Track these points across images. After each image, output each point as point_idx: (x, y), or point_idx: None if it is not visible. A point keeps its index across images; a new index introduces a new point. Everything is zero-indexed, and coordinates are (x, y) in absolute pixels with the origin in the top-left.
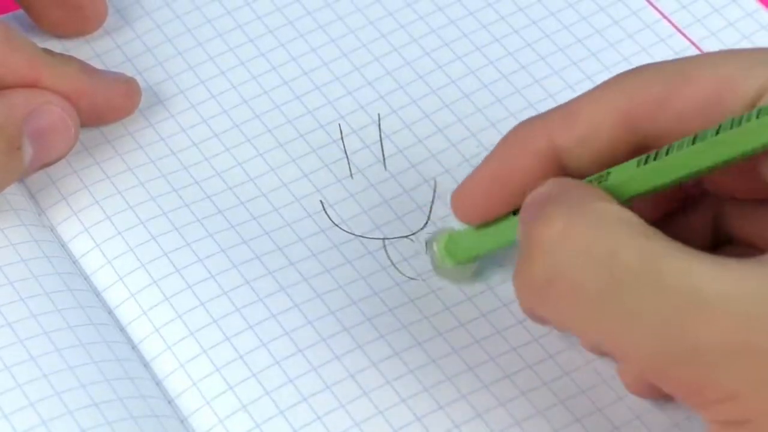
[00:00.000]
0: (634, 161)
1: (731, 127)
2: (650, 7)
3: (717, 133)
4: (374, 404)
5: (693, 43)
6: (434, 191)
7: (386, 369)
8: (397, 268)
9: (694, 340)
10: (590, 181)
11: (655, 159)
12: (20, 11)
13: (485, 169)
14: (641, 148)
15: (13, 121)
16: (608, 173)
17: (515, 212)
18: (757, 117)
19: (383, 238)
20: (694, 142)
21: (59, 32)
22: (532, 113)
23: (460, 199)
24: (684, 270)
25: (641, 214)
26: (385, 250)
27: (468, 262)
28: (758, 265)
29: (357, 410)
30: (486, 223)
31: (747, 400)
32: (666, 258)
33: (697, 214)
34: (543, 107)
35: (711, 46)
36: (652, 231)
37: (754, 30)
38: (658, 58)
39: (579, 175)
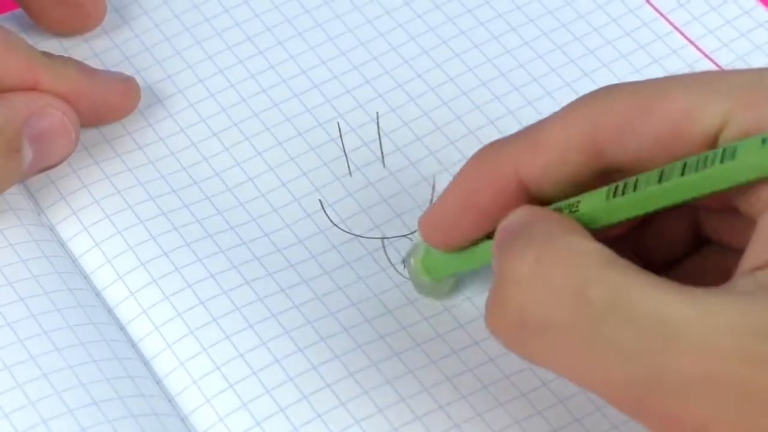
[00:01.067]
0: (603, 192)
1: (696, 168)
2: (648, 6)
3: (682, 173)
4: (374, 402)
5: (691, 42)
6: (433, 189)
7: (385, 369)
8: (396, 269)
9: (664, 371)
10: (560, 209)
11: (623, 193)
12: (19, 11)
13: (452, 197)
14: (608, 172)
15: (13, 123)
16: (578, 202)
17: (490, 236)
18: (721, 161)
19: (382, 238)
20: (660, 179)
21: (58, 31)
22: (531, 111)
23: (428, 227)
24: (653, 302)
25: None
26: (384, 251)
27: (445, 279)
28: (724, 294)
29: (357, 408)
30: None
31: (717, 430)
32: (635, 291)
33: (675, 217)
34: (541, 105)
35: (709, 44)
36: (622, 264)
37: (751, 27)
38: (656, 56)
39: (547, 200)
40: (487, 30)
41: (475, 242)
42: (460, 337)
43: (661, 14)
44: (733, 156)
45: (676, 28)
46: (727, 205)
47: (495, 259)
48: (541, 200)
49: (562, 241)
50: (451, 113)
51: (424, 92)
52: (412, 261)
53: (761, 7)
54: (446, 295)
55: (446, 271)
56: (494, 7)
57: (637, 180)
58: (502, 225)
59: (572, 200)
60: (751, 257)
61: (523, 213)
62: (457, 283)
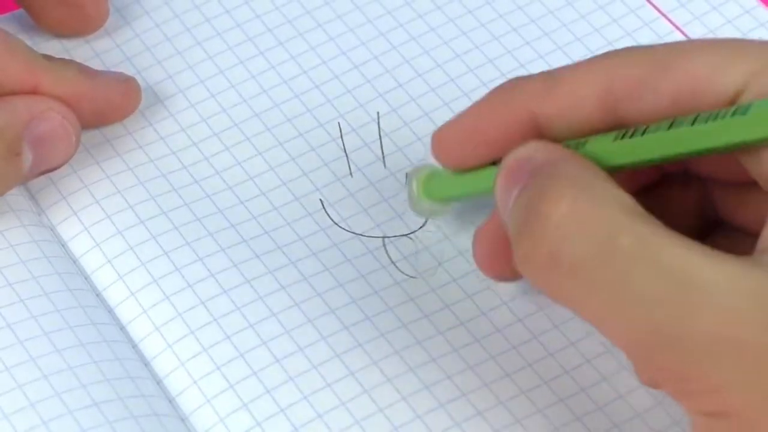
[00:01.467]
0: (611, 134)
1: (707, 121)
2: (649, 6)
3: (693, 123)
4: (375, 402)
5: None
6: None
7: (386, 367)
8: (396, 267)
9: (684, 328)
10: (568, 147)
11: (631, 137)
12: (20, 11)
13: (466, 120)
14: (619, 127)
15: (14, 127)
16: (585, 141)
17: (494, 163)
18: (732, 115)
19: (383, 237)
20: (670, 127)
21: (60, 32)
22: None
23: (439, 142)
24: (680, 258)
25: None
26: (385, 249)
27: (445, 202)
28: (753, 263)
29: (357, 408)
30: (465, 170)
31: (729, 394)
32: (664, 245)
33: (680, 195)
34: None
35: None
36: (651, 219)
37: (752, 27)
38: None
39: (556, 140)
40: (487, 30)
41: (479, 167)
42: (461, 335)
43: (662, 14)
44: (745, 112)
45: (677, 28)
46: (742, 178)
47: (507, 188)
48: (550, 139)
49: (598, 186)
50: (452, 113)
51: (424, 92)
52: (414, 182)
53: (762, 7)
54: (443, 215)
55: (446, 193)
56: (495, 7)
57: (647, 127)
58: (517, 154)
59: (580, 140)
60: None
61: (540, 148)
62: (453, 210)
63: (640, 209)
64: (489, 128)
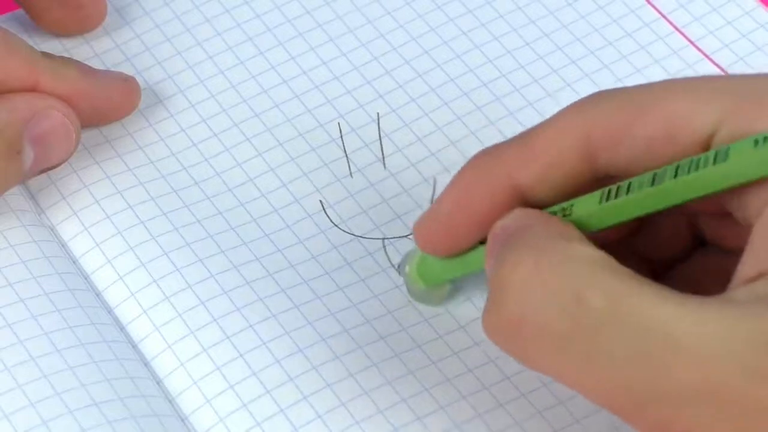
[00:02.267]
0: (596, 196)
1: (689, 171)
2: (649, 6)
3: (675, 175)
4: (374, 403)
5: (691, 42)
6: (434, 190)
7: (386, 369)
8: (396, 270)
9: (661, 384)
10: (554, 213)
11: (616, 197)
12: (20, 11)
13: (446, 203)
14: (602, 177)
15: (14, 125)
16: (572, 205)
17: (484, 242)
18: (714, 163)
19: (383, 239)
20: (652, 183)
21: (59, 31)
22: (531, 111)
23: (423, 233)
24: (652, 311)
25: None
26: (385, 251)
27: (440, 285)
28: (723, 304)
29: (357, 409)
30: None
31: None
32: (635, 299)
33: (672, 220)
34: (542, 105)
35: (710, 44)
36: (621, 271)
37: (752, 28)
38: (656, 57)
39: (542, 206)
40: (488, 31)
41: (470, 248)
42: (461, 338)
43: (662, 15)
44: (725, 158)
45: (677, 29)
46: (723, 209)
47: (490, 263)
48: (535, 206)
49: (561, 246)
50: (452, 114)
51: (424, 93)
52: (407, 268)
53: (762, 8)
54: (441, 301)
55: (441, 277)
56: (495, 7)
57: (630, 183)
58: (497, 227)
59: (565, 204)
60: (746, 267)
61: (518, 215)
62: (453, 290)
63: (610, 262)
64: (472, 206)
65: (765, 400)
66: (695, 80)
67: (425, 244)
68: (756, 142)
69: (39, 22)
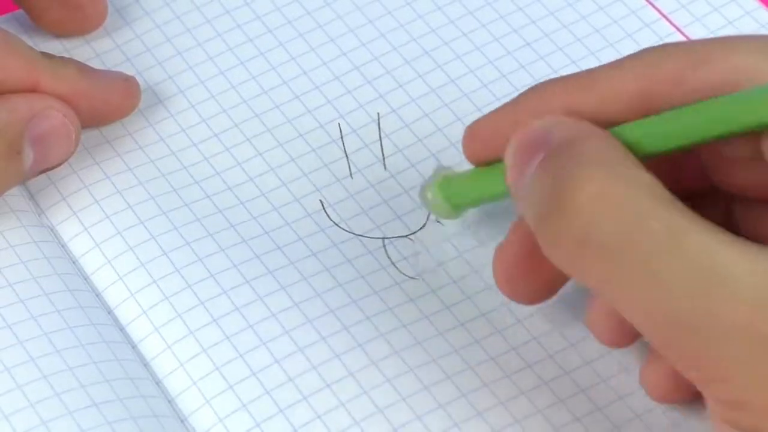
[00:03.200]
0: (643, 120)
1: (746, 98)
2: (650, 7)
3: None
4: (374, 402)
5: None
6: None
7: (386, 367)
8: (396, 267)
9: (703, 317)
10: None
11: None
12: (20, 11)
13: (499, 114)
14: None
15: (15, 125)
16: (621, 128)
17: None
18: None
19: (383, 238)
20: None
21: (59, 32)
22: None
23: (473, 135)
24: (706, 246)
25: None
26: (385, 249)
27: (460, 209)
28: None
29: (356, 408)
30: (485, 167)
31: (741, 383)
32: (691, 232)
33: (707, 211)
34: None
35: None
36: (679, 204)
37: (753, 29)
38: None
39: None
40: (488, 31)
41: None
42: (461, 336)
43: (663, 15)
44: None
45: (678, 29)
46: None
47: (546, 178)
48: None
49: (625, 167)
50: (452, 114)
51: (425, 93)
52: (429, 191)
53: (763, 8)
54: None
55: (461, 198)
56: (496, 8)
57: (681, 107)
58: (531, 129)
59: (614, 128)
60: None
61: (563, 124)
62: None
63: (667, 194)
64: (521, 122)
65: None
66: (755, 37)
67: (471, 145)
68: None
69: (39, 23)
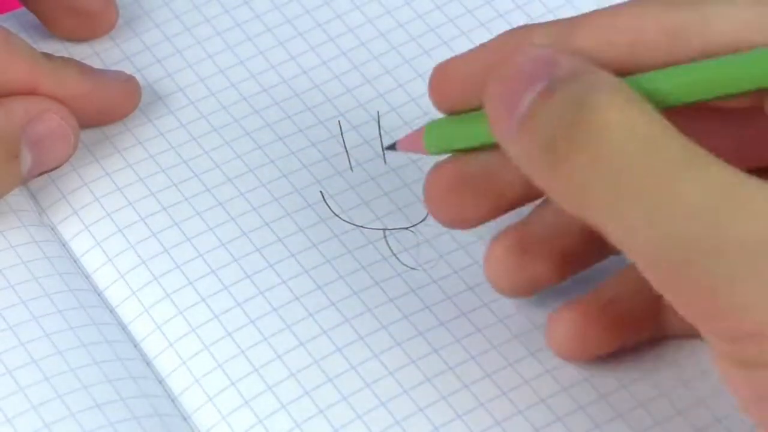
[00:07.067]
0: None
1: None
2: None
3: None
4: (376, 396)
5: None
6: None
7: (388, 360)
8: (398, 258)
9: (720, 237)
10: None
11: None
12: (21, 10)
13: (477, 53)
14: None
15: (12, 129)
16: (638, 77)
17: None
18: None
19: (383, 229)
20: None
21: (70, 38)
22: None
23: (441, 77)
24: (725, 172)
25: None
26: (386, 241)
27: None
28: None
29: (359, 402)
30: (465, 114)
31: (762, 308)
32: (710, 159)
33: None
34: None
35: None
36: (692, 140)
37: None
38: None
39: None
40: (487, 30)
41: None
42: (463, 326)
43: None
44: None
45: None
46: None
47: (563, 110)
48: None
49: (641, 98)
50: None
51: (424, 92)
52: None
53: None
54: None
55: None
56: (495, 7)
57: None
58: (529, 56)
59: (631, 77)
60: None
61: (566, 55)
62: None
63: (678, 132)
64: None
65: None
66: None
67: (438, 89)
68: None
69: (52, 31)
